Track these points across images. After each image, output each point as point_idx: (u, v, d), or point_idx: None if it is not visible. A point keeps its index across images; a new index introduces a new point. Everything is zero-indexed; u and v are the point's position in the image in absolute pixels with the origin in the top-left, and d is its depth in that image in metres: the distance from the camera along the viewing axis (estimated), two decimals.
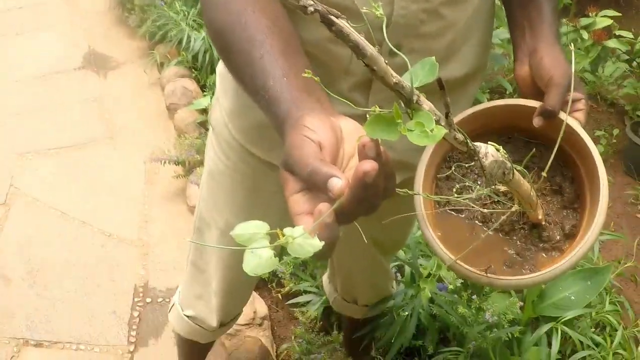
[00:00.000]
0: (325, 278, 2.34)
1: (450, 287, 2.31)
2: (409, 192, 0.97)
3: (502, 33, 3.27)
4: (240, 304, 1.95)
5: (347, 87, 1.25)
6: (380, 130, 0.74)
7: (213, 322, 1.85)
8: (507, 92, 3.62)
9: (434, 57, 0.78)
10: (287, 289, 2.65)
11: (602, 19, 3.42)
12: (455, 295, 2.30)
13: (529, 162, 1.21)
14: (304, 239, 0.72)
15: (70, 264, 2.97)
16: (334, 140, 0.87)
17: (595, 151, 1.12)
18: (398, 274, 2.39)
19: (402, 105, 0.77)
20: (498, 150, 0.93)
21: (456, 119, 1.22)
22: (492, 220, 1.19)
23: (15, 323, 2.69)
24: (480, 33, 1.32)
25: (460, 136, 0.84)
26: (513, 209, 1.12)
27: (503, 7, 1.38)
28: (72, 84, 4.30)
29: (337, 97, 0.88)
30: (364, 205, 0.79)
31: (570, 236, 1.16)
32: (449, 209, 1.20)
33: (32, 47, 4.69)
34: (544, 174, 1.11)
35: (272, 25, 1.02)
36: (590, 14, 3.46)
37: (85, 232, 3.13)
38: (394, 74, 0.75)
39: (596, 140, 3.88)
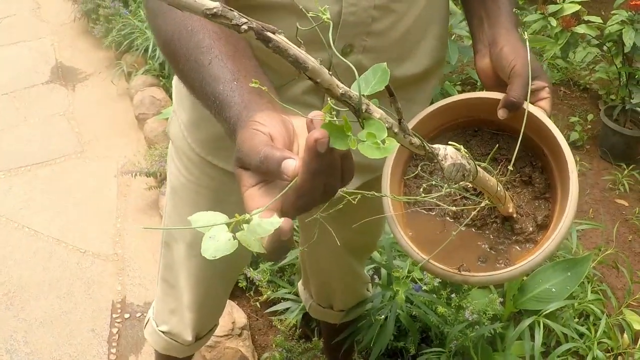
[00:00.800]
0: (300, 284, 2.32)
1: (428, 287, 2.28)
2: (375, 194, 0.96)
3: None
4: (214, 317, 1.92)
5: (301, 91, 1.22)
6: (332, 139, 0.71)
7: (188, 336, 1.82)
8: (478, 84, 3.61)
9: (385, 63, 0.75)
10: (265, 296, 2.63)
11: (570, 5, 3.40)
12: (434, 295, 2.28)
13: (498, 155, 1.21)
14: (262, 219, 0.70)
15: (47, 283, 2.92)
16: (286, 133, 0.84)
17: (562, 139, 1.11)
18: (375, 277, 2.36)
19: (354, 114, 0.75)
20: (459, 149, 0.90)
21: (419, 116, 1.21)
22: (464, 216, 1.17)
23: None
24: (436, 27, 1.30)
25: (416, 140, 0.81)
26: (482, 204, 1.10)
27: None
28: (40, 98, 4.25)
29: (287, 106, 0.85)
30: (320, 180, 0.76)
31: (543, 227, 1.15)
32: (419, 208, 1.19)
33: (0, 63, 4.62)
34: (510, 167, 1.09)
35: (219, 30, 1.00)
36: (558, 0, 3.45)
37: (60, 250, 3.09)
38: (340, 84, 0.72)
39: (571, 127, 3.87)
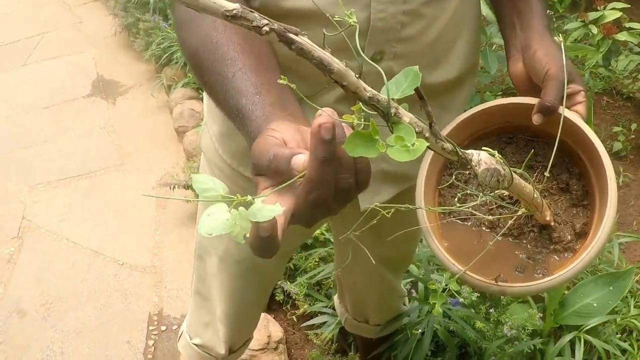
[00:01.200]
0: (336, 298, 2.30)
1: (467, 301, 2.25)
2: (410, 207, 0.93)
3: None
4: (248, 330, 1.91)
5: (334, 99, 1.20)
6: (360, 148, 0.70)
7: (222, 349, 1.81)
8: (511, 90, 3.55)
9: (417, 67, 0.73)
10: (301, 310, 2.60)
11: (611, 12, 3.34)
12: (472, 310, 2.24)
13: (533, 162, 1.19)
14: (263, 205, 0.69)
15: (84, 295, 2.94)
16: (301, 139, 0.82)
17: (599, 144, 1.08)
18: (413, 291, 2.33)
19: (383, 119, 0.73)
20: (493, 155, 0.88)
21: (452, 124, 1.18)
22: (500, 225, 1.15)
23: (31, 357, 2.66)
24: (468, 32, 1.27)
25: (448, 146, 0.78)
26: (519, 213, 1.07)
27: (490, 4, 1.34)
28: (81, 112, 4.30)
29: (317, 106, 0.83)
30: (329, 170, 0.73)
31: (582, 235, 1.12)
32: (455, 218, 1.16)
33: (41, 77, 4.69)
34: (546, 173, 1.07)
35: (243, 43, 0.99)
36: (598, 7, 3.39)
37: (98, 262, 3.10)
38: (367, 88, 0.70)
39: (614, 137, 3.79)
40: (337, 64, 0.67)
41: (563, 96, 1.10)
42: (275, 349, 2.49)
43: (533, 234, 1.14)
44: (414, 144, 0.69)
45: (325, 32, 0.71)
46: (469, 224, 1.16)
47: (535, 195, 1.02)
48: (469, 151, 0.85)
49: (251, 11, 0.63)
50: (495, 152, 0.87)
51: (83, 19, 5.43)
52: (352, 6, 1.09)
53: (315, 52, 0.65)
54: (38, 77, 4.68)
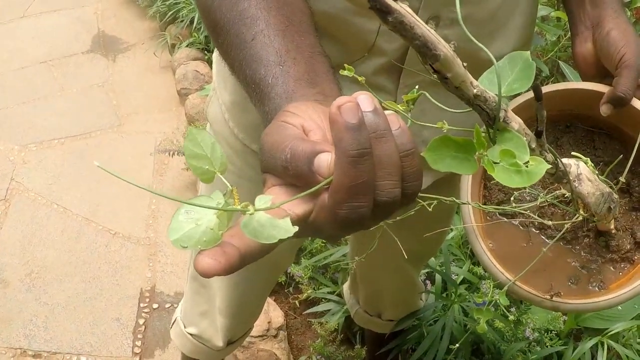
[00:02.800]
0: (346, 287, 2.13)
1: (486, 297, 2.07)
2: (456, 201, 0.84)
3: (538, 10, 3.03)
4: (250, 321, 1.74)
5: (372, 70, 1.01)
6: (449, 160, 0.51)
7: (219, 341, 1.65)
8: (544, 75, 3.37)
9: (528, 52, 0.54)
10: (305, 295, 2.43)
11: None
12: (492, 308, 2.06)
13: (592, 156, 1.05)
14: (268, 218, 0.50)
15: (72, 266, 2.76)
16: (325, 125, 0.61)
17: None
18: (428, 282, 2.16)
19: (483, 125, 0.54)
20: (586, 162, 0.76)
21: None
22: (552, 226, 1.01)
23: (13, 331, 2.50)
24: (526, 2, 1.10)
25: (550, 157, 0.60)
26: (580, 219, 0.93)
27: None
28: (80, 68, 4.09)
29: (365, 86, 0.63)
30: (364, 173, 0.53)
31: None
32: (500, 215, 1.03)
33: (39, 30, 4.48)
34: (622, 179, 0.93)
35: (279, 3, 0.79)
36: None
37: (89, 230, 2.92)
38: (475, 82, 0.50)
39: None
40: (444, 47, 0.47)
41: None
42: (275, 336, 2.32)
43: (588, 239, 1.01)
44: (528, 163, 0.49)
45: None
46: (516, 222, 1.02)
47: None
48: (566, 161, 0.68)
49: None
50: (588, 160, 0.70)
51: None
52: None
53: (419, 29, 0.47)
54: (36, 31, 4.47)
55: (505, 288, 0.93)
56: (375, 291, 1.90)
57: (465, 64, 0.52)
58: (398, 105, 0.57)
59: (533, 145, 0.60)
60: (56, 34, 4.43)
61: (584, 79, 1.07)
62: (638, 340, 2.22)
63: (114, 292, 2.65)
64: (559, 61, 3.39)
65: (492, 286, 2.07)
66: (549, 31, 3.32)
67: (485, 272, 1.28)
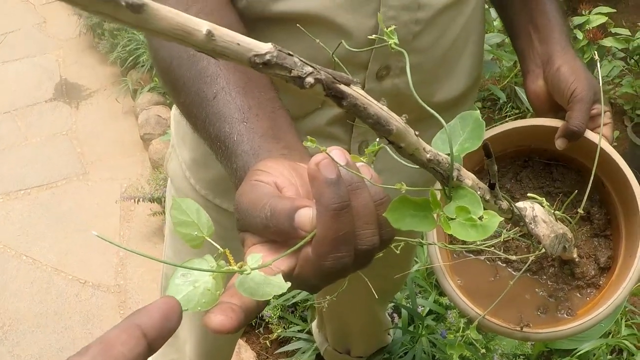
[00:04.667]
0: (314, 325, 2.15)
1: (453, 327, 2.11)
2: (422, 242, 0.86)
3: (491, 37, 3.08)
4: None
5: (325, 121, 1.04)
6: (409, 219, 0.54)
7: None
8: (501, 101, 3.43)
9: (477, 112, 0.58)
10: (275, 334, 2.44)
11: (597, 17, 3.23)
12: (459, 335, 2.10)
13: (552, 188, 1.10)
14: (262, 276, 0.52)
15: (44, 317, 2.75)
16: (299, 180, 0.64)
17: (628, 171, 0.99)
18: (395, 315, 2.19)
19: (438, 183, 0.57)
20: (541, 203, 0.77)
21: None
22: (517, 260, 1.04)
23: None
24: (474, 44, 1.14)
25: (505, 204, 0.63)
26: (542, 251, 0.95)
27: (496, 11, 1.21)
28: (43, 117, 4.08)
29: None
30: (346, 224, 0.56)
31: (606, 269, 1.03)
32: (466, 252, 1.05)
33: (2, 80, 4.46)
34: (580, 210, 0.95)
35: None
36: (583, 11, 3.27)
37: (59, 280, 2.91)
38: (427, 147, 0.54)
39: None
40: (396, 122, 0.51)
41: (598, 118, 1.01)
42: None
43: (553, 269, 1.05)
44: (482, 217, 0.53)
45: (319, 44, 0.60)
46: (482, 258, 1.06)
47: (570, 236, 0.91)
48: (521, 205, 0.71)
49: (289, 54, 0.47)
50: (543, 200, 0.74)
51: (47, 19, 5.20)
52: (358, 13, 0.93)
53: (372, 109, 0.50)
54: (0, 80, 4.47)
55: (475, 323, 0.96)
56: (342, 328, 1.92)
57: (417, 133, 0.56)
58: (361, 158, 0.61)
59: (487, 197, 0.63)
60: (19, 83, 4.42)
61: (538, 114, 1.11)
62: (608, 357, 2.26)
63: (87, 341, 2.62)
64: (516, 87, 3.45)
65: (458, 315, 2.12)
66: (504, 57, 3.37)
67: (456, 308, 1.31)
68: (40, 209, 3.33)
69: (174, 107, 1.29)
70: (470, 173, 0.59)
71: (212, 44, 0.45)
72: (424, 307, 2.15)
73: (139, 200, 3.05)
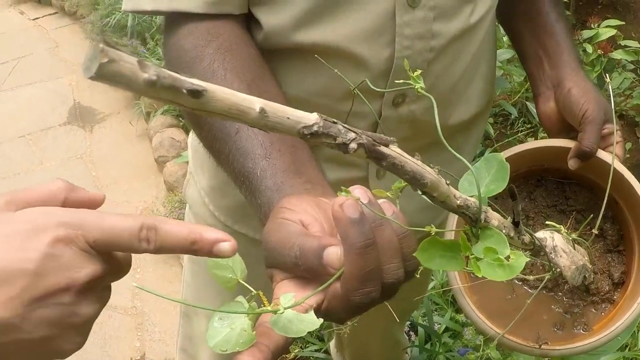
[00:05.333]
0: (332, 346, 2.15)
1: (470, 344, 2.11)
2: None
3: (501, 53, 3.09)
4: None
5: (323, 159, 1.05)
6: (438, 259, 0.57)
7: None
8: (513, 117, 3.43)
9: (501, 154, 0.59)
10: (292, 354, 2.45)
11: (606, 30, 3.24)
12: (471, 350, 2.10)
13: (565, 206, 1.12)
14: (295, 314, 0.55)
15: None
16: (323, 216, 0.66)
17: (639, 187, 1.01)
18: (411, 333, 2.19)
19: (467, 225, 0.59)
20: (559, 230, 0.81)
21: None
22: (533, 279, 1.05)
23: None
24: (486, 68, 1.16)
25: (527, 237, 0.65)
26: (558, 270, 0.97)
27: (505, 33, 1.23)
28: (57, 141, 4.12)
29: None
30: (372, 261, 0.58)
31: (620, 284, 1.04)
32: None
33: (16, 105, 4.51)
34: (595, 231, 0.98)
35: (248, 89, 0.83)
36: (592, 25, 3.28)
37: None
38: (457, 194, 0.56)
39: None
40: (429, 174, 0.53)
41: (610, 139, 1.03)
42: None
43: (568, 285, 1.05)
44: (509, 257, 0.55)
45: (339, 74, 0.65)
46: None
47: (586, 259, 0.92)
48: (541, 235, 0.73)
49: (334, 122, 0.49)
50: (562, 228, 0.75)
51: (59, 43, 5.26)
52: (374, 44, 0.95)
53: (408, 166, 0.52)
54: (13, 105, 4.50)
55: (495, 342, 0.97)
56: (361, 349, 1.93)
57: (448, 182, 0.58)
58: (387, 193, 0.63)
59: (512, 234, 0.65)
60: (33, 108, 4.46)
61: (550, 135, 1.13)
62: None
63: None
64: (527, 102, 3.46)
65: (475, 333, 2.12)
66: (514, 73, 3.38)
67: (474, 327, 1.32)
68: None
69: (191, 133, 1.31)
70: (495, 213, 0.61)
71: (264, 120, 0.47)
72: (440, 324, 2.16)
73: None
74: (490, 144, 3.23)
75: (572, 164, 1.04)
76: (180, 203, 3.07)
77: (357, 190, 0.60)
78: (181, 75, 0.43)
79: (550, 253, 0.76)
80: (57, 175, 3.74)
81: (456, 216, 1.01)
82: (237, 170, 0.80)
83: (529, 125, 3.47)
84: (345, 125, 0.49)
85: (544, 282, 1.01)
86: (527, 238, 0.67)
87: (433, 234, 0.57)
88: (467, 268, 0.57)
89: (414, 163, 0.53)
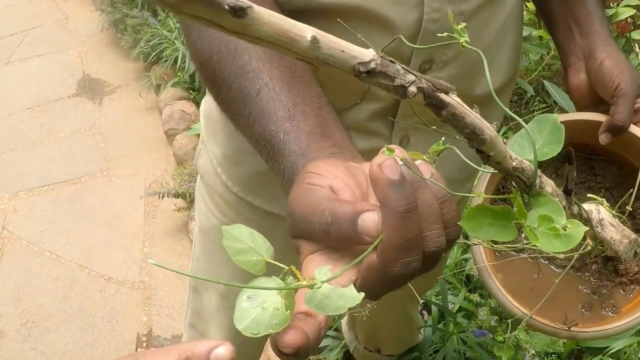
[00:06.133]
0: (344, 323, 2.11)
1: (484, 324, 2.07)
2: (468, 242, 0.84)
3: None
4: None
5: (365, 116, 1.00)
6: (487, 228, 0.52)
7: None
8: (528, 95, 3.38)
9: (555, 115, 0.54)
10: None
11: (625, 9, 3.18)
12: (489, 334, 2.05)
13: (593, 183, 1.08)
14: (332, 288, 0.49)
15: (68, 313, 2.74)
16: (354, 182, 0.61)
17: None
18: (424, 312, 2.15)
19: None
20: (602, 204, 0.75)
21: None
22: (564, 256, 1.00)
23: None
24: (513, 36, 1.10)
25: (576, 209, 0.61)
26: (589, 248, 0.93)
27: (534, 4, 1.18)
28: (66, 113, 4.08)
29: None
30: (413, 227, 0.53)
31: None
32: (509, 249, 1.02)
33: (24, 76, 4.47)
34: (629, 207, 0.94)
35: None
36: (611, 4, 3.22)
37: (82, 276, 2.90)
38: (513, 155, 0.51)
39: None
40: (489, 130, 0.48)
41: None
42: None
43: (596, 265, 1.02)
44: (566, 226, 0.50)
45: (361, 38, 0.54)
46: (525, 255, 1.02)
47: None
48: (586, 207, 0.68)
49: (392, 61, 0.44)
50: (604, 201, 0.70)
51: (69, 15, 5.21)
52: (403, 5, 0.89)
53: (469, 118, 0.47)
54: (21, 77, 4.46)
55: (523, 323, 0.93)
56: (374, 328, 1.89)
57: (505, 141, 0.53)
58: (424, 156, 0.57)
59: (563, 203, 0.60)
60: (41, 79, 4.43)
61: (579, 108, 1.08)
62: (639, 356, 2.21)
63: (111, 338, 2.63)
64: (544, 80, 3.40)
65: (489, 314, 2.08)
66: (531, 50, 3.33)
67: (500, 307, 1.28)
68: (63, 205, 3.33)
69: (204, 101, 1.26)
70: (549, 180, 0.56)
71: (316, 51, 0.42)
72: (453, 304, 2.12)
73: (163, 196, 3.03)
74: (505, 122, 3.18)
75: (603, 138, 1.00)
76: (190, 176, 3.03)
77: (395, 151, 0.55)
78: None
79: (597, 227, 0.71)
80: (65, 147, 3.71)
81: (485, 183, 0.96)
82: (257, 134, 0.74)
83: (544, 105, 3.42)
84: (404, 66, 0.44)
85: (572, 260, 0.97)
86: (575, 209, 0.62)
87: (481, 200, 0.51)
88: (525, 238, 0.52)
89: (474, 116, 0.48)
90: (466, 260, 2.25)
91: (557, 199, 0.55)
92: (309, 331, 0.52)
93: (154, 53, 4.09)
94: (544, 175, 0.56)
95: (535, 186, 0.53)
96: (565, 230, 0.51)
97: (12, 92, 4.32)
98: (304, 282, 0.48)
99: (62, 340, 2.63)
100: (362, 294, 0.51)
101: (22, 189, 3.44)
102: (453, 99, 0.48)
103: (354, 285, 0.55)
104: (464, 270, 2.24)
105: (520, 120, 0.54)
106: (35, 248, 3.05)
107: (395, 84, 0.45)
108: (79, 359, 2.55)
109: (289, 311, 0.49)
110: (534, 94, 3.40)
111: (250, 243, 0.52)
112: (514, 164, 0.52)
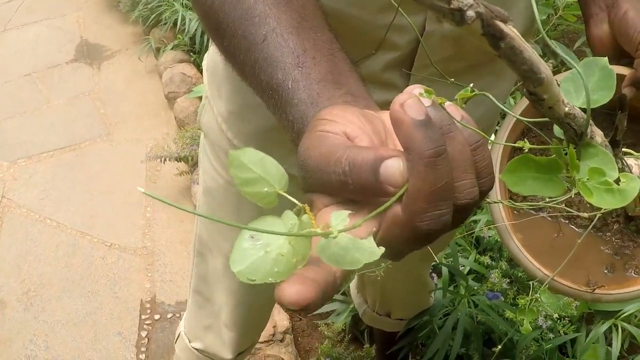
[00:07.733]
0: (353, 287, 2.06)
1: (496, 287, 2.02)
2: (487, 200, 0.80)
3: None
4: (257, 332, 1.67)
5: (381, 66, 0.94)
6: (530, 182, 0.46)
7: (227, 354, 1.58)
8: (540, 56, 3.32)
9: (605, 59, 0.48)
10: None
11: None
12: (502, 297, 2.00)
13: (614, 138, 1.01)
14: (350, 238, 0.41)
15: (69, 281, 2.69)
16: (372, 129, 0.54)
17: None
18: (434, 275, 2.10)
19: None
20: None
21: (523, 102, 0.95)
22: (580, 216, 0.97)
23: (14, 352, 2.44)
24: None
25: (620, 163, 0.56)
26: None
27: None
28: (65, 79, 4.02)
29: None
30: (444, 174, 0.46)
31: None
32: (527, 208, 0.97)
33: (21, 43, 4.41)
34: None
35: None
36: None
37: (84, 244, 2.85)
38: (565, 100, 0.45)
39: None
40: (545, 69, 0.42)
41: None
42: (282, 340, 2.27)
43: (618, 225, 0.97)
44: (619, 181, 0.44)
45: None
46: (545, 213, 0.98)
47: None
48: (629, 161, 0.63)
49: None
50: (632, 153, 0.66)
51: None
52: None
53: (526, 52, 0.42)
54: (18, 44, 4.40)
55: (545, 284, 0.89)
56: (385, 292, 1.85)
57: (559, 83, 0.47)
58: (448, 102, 0.51)
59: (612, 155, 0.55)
60: (39, 46, 4.37)
61: None
62: None
63: (114, 305, 2.59)
64: (552, 41, 3.34)
65: (501, 276, 2.03)
66: (539, 10, 3.27)
67: (520, 268, 1.23)
68: (64, 172, 3.27)
69: (206, 55, 1.20)
70: (598, 129, 0.50)
71: None
72: (464, 266, 2.06)
73: (165, 160, 2.98)
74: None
75: (627, 92, 0.94)
76: (192, 139, 2.97)
77: (417, 90, 0.48)
78: None
79: None
80: (64, 113, 3.65)
81: (507, 132, 0.91)
82: (264, 83, 0.68)
83: (550, 65, 3.36)
84: None
85: (594, 220, 0.93)
86: (619, 163, 0.57)
87: (526, 150, 0.45)
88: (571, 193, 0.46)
89: (532, 52, 0.42)
90: (475, 222, 2.20)
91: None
92: (321, 281, 0.45)
93: (153, 16, 4.02)
94: (594, 124, 0.50)
95: (587, 135, 0.47)
96: (618, 184, 0.45)
97: (9, 60, 4.25)
98: (318, 230, 0.42)
99: (64, 309, 2.58)
100: (382, 249, 0.44)
101: (21, 156, 3.39)
102: (511, 32, 0.42)
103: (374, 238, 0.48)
104: (473, 232, 2.19)
105: (570, 60, 0.47)
106: (36, 216, 3.01)
107: (452, 6, 0.39)
108: (81, 328, 2.51)
109: (295, 259, 0.42)
110: (541, 54, 3.34)
111: (261, 172, 0.45)
112: (567, 109, 0.46)
